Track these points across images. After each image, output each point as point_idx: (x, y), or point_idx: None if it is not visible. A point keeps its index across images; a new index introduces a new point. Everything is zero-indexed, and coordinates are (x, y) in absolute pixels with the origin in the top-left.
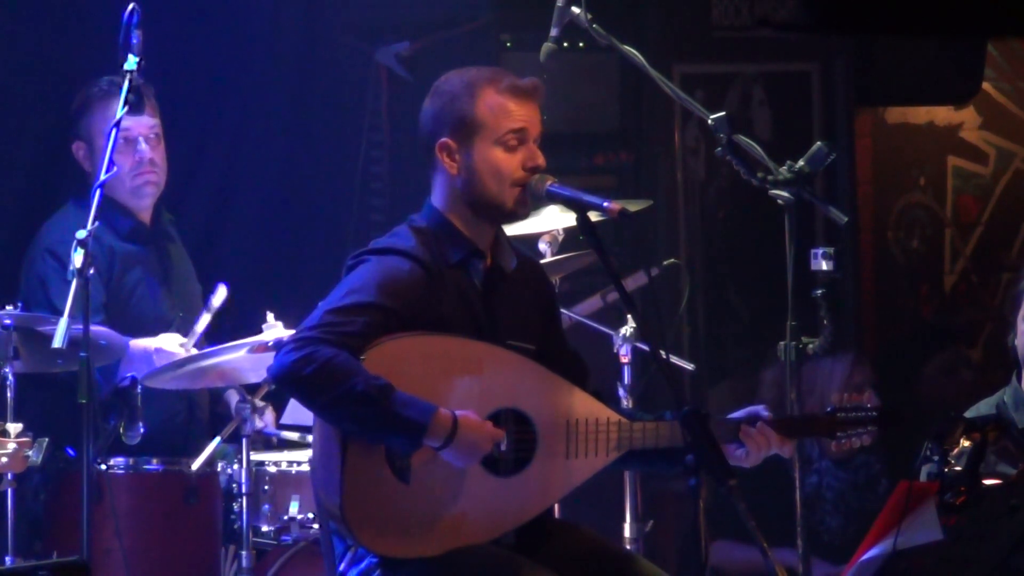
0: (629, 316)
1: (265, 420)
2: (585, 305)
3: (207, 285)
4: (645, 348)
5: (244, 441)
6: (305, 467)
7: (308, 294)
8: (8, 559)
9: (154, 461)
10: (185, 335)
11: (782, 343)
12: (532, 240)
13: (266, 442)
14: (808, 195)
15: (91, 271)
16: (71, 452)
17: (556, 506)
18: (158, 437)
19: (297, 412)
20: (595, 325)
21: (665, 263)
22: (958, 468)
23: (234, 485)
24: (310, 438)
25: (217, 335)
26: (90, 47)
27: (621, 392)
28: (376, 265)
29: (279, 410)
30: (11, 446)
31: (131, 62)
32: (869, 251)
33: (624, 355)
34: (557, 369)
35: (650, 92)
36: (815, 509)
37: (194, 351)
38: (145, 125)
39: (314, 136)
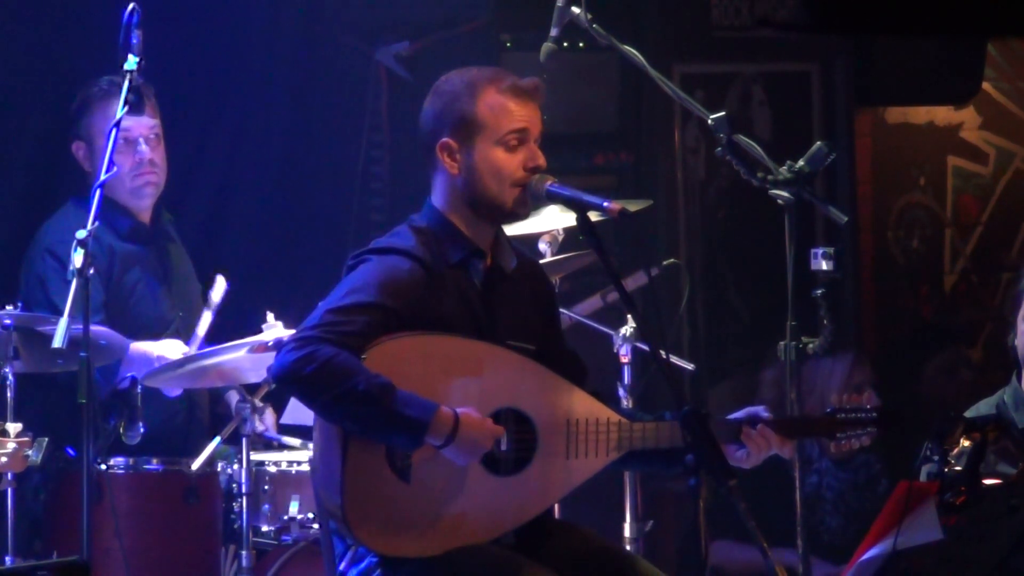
0: (629, 316)
1: (266, 423)
2: (585, 305)
3: (207, 285)
4: (645, 348)
5: (244, 441)
6: (305, 467)
7: (308, 294)
8: (8, 559)
9: (154, 461)
10: (186, 336)
11: (782, 343)
12: (532, 240)
13: (266, 444)
14: (808, 195)
15: (91, 271)
16: (71, 452)
17: (556, 506)
18: (158, 437)
19: (297, 412)
20: (595, 325)
21: (665, 263)
22: (958, 468)
23: (234, 485)
24: (311, 445)
25: (217, 335)
26: (90, 47)
27: (621, 392)
28: (377, 265)
29: (279, 410)
30: (11, 446)
31: (131, 62)
32: (869, 251)
33: (624, 355)
34: (556, 369)
35: (650, 92)
36: (815, 509)
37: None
38: (145, 125)
39: (314, 136)
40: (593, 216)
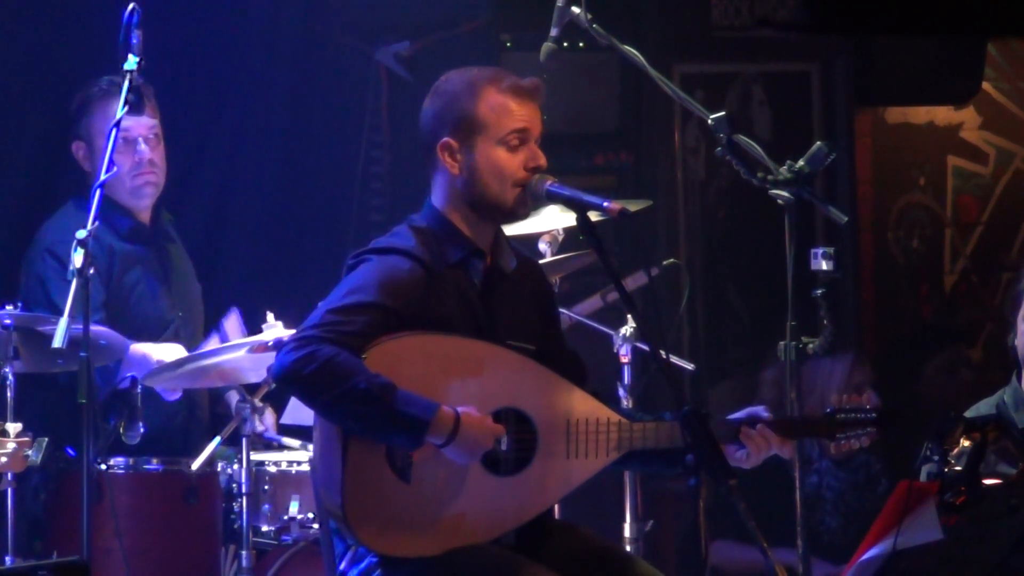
0: (629, 316)
1: (265, 423)
2: (585, 305)
3: (207, 285)
4: (645, 348)
5: (244, 441)
6: (305, 467)
7: (308, 294)
8: (8, 559)
9: (154, 461)
10: (185, 337)
11: (782, 343)
12: (532, 240)
13: (266, 444)
14: (808, 195)
15: (91, 271)
16: (71, 452)
17: (556, 506)
18: (158, 437)
19: (297, 412)
20: (595, 325)
21: (665, 263)
22: (958, 468)
23: (234, 485)
24: (311, 447)
25: None
26: (90, 47)
27: (621, 392)
28: (377, 264)
29: (279, 410)
30: (11, 446)
31: (131, 62)
32: (869, 251)
33: (624, 355)
34: (556, 369)
35: (650, 92)
36: (815, 509)
37: None
38: (145, 125)
39: (314, 136)
40: (593, 216)
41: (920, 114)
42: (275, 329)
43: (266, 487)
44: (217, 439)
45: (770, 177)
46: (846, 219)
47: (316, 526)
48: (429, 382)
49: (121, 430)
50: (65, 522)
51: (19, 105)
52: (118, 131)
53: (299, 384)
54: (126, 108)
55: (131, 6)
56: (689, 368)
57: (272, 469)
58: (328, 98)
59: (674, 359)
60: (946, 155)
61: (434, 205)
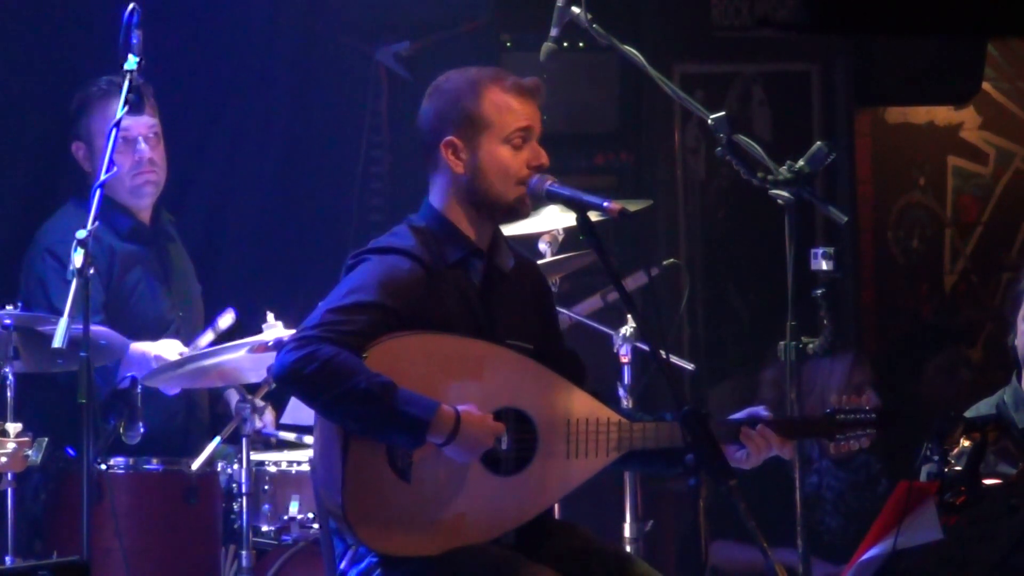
0: (629, 316)
1: (265, 420)
2: (585, 305)
3: (207, 285)
4: (645, 348)
5: (244, 441)
6: (305, 467)
7: (308, 294)
8: (8, 559)
9: (154, 461)
10: (185, 336)
11: (782, 343)
12: (532, 240)
13: (265, 442)
14: (808, 195)
15: (91, 271)
16: (71, 452)
17: (556, 506)
18: (158, 437)
19: (297, 411)
20: (595, 325)
21: (665, 263)
22: (958, 468)
23: (234, 485)
24: (307, 439)
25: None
26: (90, 47)
27: (621, 392)
28: (376, 264)
29: (279, 410)
30: (11, 446)
31: (131, 62)
32: (869, 251)
33: (624, 355)
34: (555, 369)
35: (650, 92)
36: (815, 509)
37: None
38: (145, 125)
39: (314, 136)
40: (593, 216)
41: (920, 114)
42: (275, 329)
43: (266, 487)
44: (217, 439)
45: (770, 177)
46: (846, 219)
47: (316, 526)
48: (429, 382)
49: (121, 430)
50: (65, 522)
51: (19, 105)
52: (118, 131)
53: (300, 384)
54: (126, 108)
55: (131, 6)
56: (689, 368)
57: (272, 469)
58: (328, 98)
59: (674, 359)
60: (946, 155)
61: (433, 205)
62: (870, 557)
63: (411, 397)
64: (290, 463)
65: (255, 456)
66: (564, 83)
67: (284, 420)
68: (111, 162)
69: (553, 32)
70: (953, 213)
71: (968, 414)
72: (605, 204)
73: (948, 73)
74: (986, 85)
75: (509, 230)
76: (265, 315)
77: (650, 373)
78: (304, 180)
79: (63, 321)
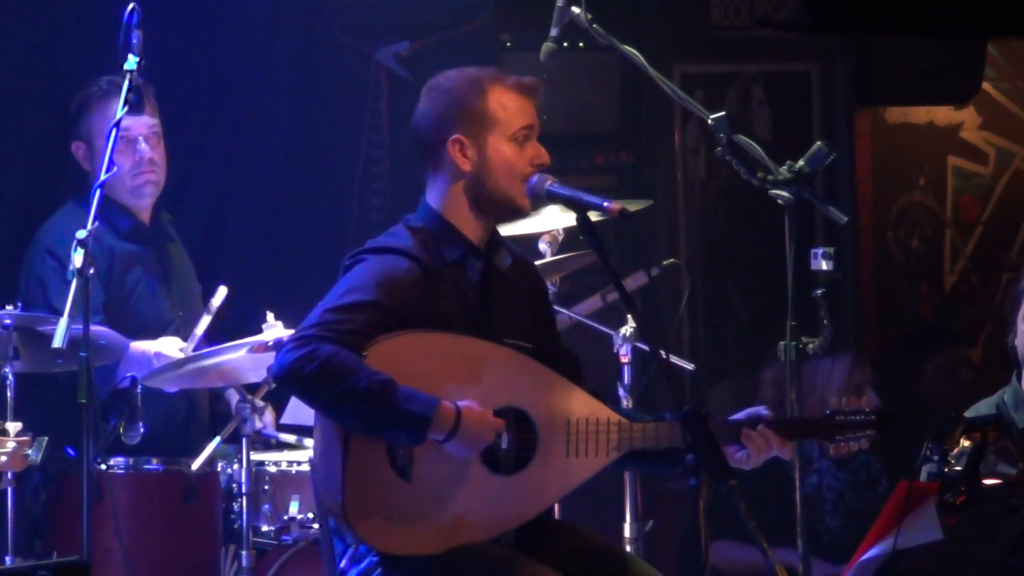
0: (629, 316)
1: (265, 421)
2: (585, 305)
3: (207, 285)
4: (645, 348)
5: (244, 441)
6: (305, 467)
7: (308, 294)
8: (8, 559)
9: (154, 461)
10: (185, 336)
11: (782, 343)
12: (532, 240)
13: (265, 443)
14: (808, 195)
15: (91, 271)
16: (71, 452)
17: (556, 506)
18: (158, 437)
19: (297, 411)
20: (595, 325)
21: (665, 263)
22: (958, 468)
23: (234, 485)
24: (307, 442)
25: (217, 335)
26: (90, 47)
27: (621, 392)
28: (374, 264)
29: (279, 410)
30: (10, 445)
31: (131, 62)
32: (869, 251)
33: (624, 355)
34: (554, 368)
35: (650, 92)
36: (815, 509)
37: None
38: (145, 125)
39: (314, 136)
40: (593, 216)
41: (920, 114)
42: (275, 329)
43: (266, 487)
44: (217, 439)
45: (770, 177)
46: (846, 219)
47: (316, 526)
48: (429, 381)
49: (121, 430)
50: (65, 522)
51: (19, 105)
52: (118, 131)
53: (299, 383)
54: (126, 108)
55: (131, 6)
56: (689, 368)
57: (272, 469)
58: (328, 98)
59: (674, 359)
60: (946, 155)
61: (430, 205)
62: (870, 557)
63: (411, 394)
64: (290, 463)
65: (255, 456)
66: (564, 83)
67: (284, 420)
68: (111, 162)
69: (553, 32)
70: (953, 213)
71: (968, 414)
72: (605, 204)
73: (948, 73)
74: (986, 85)
75: (509, 230)
76: (265, 315)
77: (650, 373)
78: (304, 180)
79: (63, 321)
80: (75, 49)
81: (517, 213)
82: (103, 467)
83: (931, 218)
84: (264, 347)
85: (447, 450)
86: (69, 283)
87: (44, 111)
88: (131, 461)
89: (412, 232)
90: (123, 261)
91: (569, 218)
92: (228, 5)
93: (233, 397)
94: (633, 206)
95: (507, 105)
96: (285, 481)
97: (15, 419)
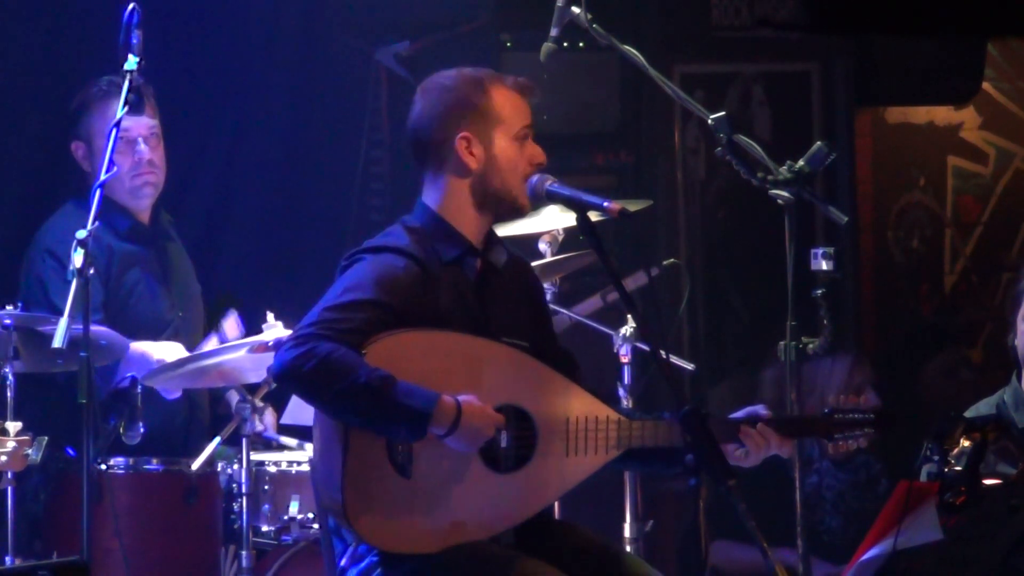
0: (629, 316)
1: (265, 423)
2: (585, 305)
3: (207, 285)
4: (645, 348)
5: (244, 441)
6: (305, 467)
7: (308, 294)
8: (8, 559)
9: (154, 461)
10: (185, 336)
11: (782, 343)
12: (532, 240)
13: (265, 444)
14: (808, 195)
15: (90, 271)
16: (71, 452)
17: (556, 505)
18: (158, 437)
19: (298, 412)
20: (595, 325)
21: (665, 263)
22: (958, 468)
23: (234, 485)
24: (308, 446)
25: None
26: (90, 47)
27: (621, 392)
28: (372, 263)
29: (279, 410)
30: (10, 444)
31: (131, 62)
32: (869, 251)
33: (624, 355)
34: (550, 366)
35: (650, 92)
36: (815, 509)
37: None
38: (144, 125)
39: (314, 136)
40: (593, 216)
41: (920, 114)
42: (275, 329)
43: (266, 487)
44: (217, 439)
45: (770, 177)
46: (846, 219)
47: (316, 526)
48: (429, 378)
49: (121, 430)
50: (65, 522)
51: (19, 105)
52: (118, 131)
53: (299, 381)
54: (126, 108)
55: (131, 6)
56: (689, 368)
57: (272, 469)
58: (328, 98)
59: (674, 359)
60: (946, 155)
61: (427, 205)
62: (870, 557)
63: (411, 389)
64: (290, 463)
65: (255, 456)
66: (564, 83)
67: (285, 420)
68: (111, 162)
69: (553, 32)
70: (953, 213)
71: (968, 414)
72: (605, 204)
73: (948, 73)
74: (986, 85)
75: (509, 230)
76: (265, 315)
77: (650, 373)
78: (304, 180)
79: (63, 321)
80: (75, 49)
81: (518, 212)
82: (103, 467)
83: (931, 218)
84: (264, 347)
85: (448, 445)
86: (69, 283)
87: (44, 111)
88: (131, 461)
89: (409, 232)
90: (122, 261)
91: (569, 218)
92: (228, 5)
93: (233, 398)
94: (633, 206)
95: (511, 103)
96: (285, 481)
97: (15, 419)
